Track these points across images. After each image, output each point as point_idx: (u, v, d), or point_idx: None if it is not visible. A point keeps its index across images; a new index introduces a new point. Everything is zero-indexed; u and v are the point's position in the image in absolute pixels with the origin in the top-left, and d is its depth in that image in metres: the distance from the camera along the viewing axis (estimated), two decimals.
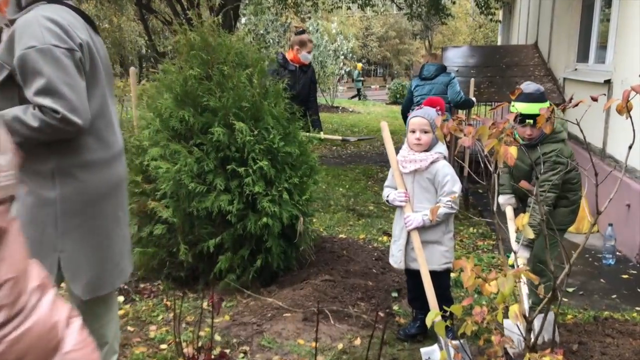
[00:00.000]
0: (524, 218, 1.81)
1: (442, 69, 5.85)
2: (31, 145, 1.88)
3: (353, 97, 23.40)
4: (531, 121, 2.89)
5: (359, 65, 24.32)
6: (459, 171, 5.57)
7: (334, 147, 10.42)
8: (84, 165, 1.99)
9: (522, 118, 2.91)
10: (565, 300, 3.73)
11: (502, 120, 1.82)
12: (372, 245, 4.69)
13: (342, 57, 18.87)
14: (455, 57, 8.75)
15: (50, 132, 1.83)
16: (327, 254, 4.23)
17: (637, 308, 3.67)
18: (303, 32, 5.67)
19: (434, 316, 1.96)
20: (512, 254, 2.85)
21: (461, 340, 2.69)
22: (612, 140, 5.22)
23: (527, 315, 2.08)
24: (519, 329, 2.07)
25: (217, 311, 2.32)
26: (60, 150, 1.93)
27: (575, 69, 6.96)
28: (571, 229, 3.54)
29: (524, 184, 1.92)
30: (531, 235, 1.95)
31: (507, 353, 2.62)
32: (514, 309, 1.95)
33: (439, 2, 11.56)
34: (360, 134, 11.60)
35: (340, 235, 4.97)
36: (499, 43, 16.87)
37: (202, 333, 3.04)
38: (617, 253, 4.64)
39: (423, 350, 2.87)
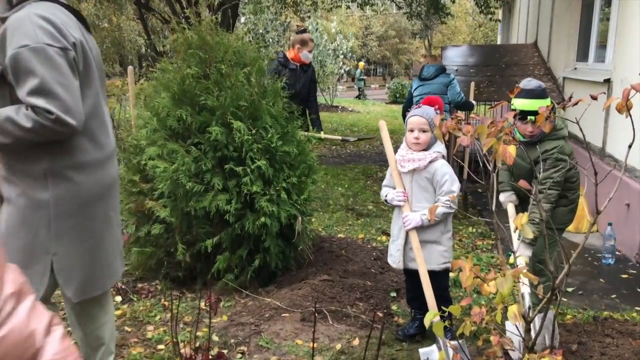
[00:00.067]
0: (523, 217, 1.80)
1: (442, 70, 5.86)
2: (23, 147, 1.86)
3: (357, 96, 23.22)
4: (532, 118, 2.86)
5: (361, 64, 24.16)
6: (459, 172, 5.56)
7: (333, 147, 10.41)
8: (78, 166, 1.96)
9: (523, 115, 2.89)
10: (565, 300, 3.72)
11: (501, 119, 1.81)
12: (371, 245, 4.67)
13: (342, 56, 18.86)
14: (455, 57, 8.73)
15: (43, 133, 1.80)
16: (325, 253, 4.22)
17: (637, 308, 3.66)
18: (304, 31, 5.66)
19: (432, 316, 1.95)
20: (512, 254, 2.83)
21: (460, 341, 2.68)
22: (612, 140, 5.21)
23: (526, 315, 2.07)
24: (518, 330, 2.06)
25: (214, 311, 2.31)
26: (53, 151, 1.90)
27: (575, 68, 6.95)
28: (570, 228, 3.53)
29: (523, 183, 1.90)
30: (530, 235, 1.94)
31: (507, 354, 2.61)
32: (512, 309, 1.94)
33: (438, 1, 11.53)
34: (360, 133, 11.59)
35: (339, 235, 4.95)
36: (498, 42, 16.86)
37: (199, 333, 3.03)
38: (617, 253, 4.63)
39: (422, 350, 2.85)
